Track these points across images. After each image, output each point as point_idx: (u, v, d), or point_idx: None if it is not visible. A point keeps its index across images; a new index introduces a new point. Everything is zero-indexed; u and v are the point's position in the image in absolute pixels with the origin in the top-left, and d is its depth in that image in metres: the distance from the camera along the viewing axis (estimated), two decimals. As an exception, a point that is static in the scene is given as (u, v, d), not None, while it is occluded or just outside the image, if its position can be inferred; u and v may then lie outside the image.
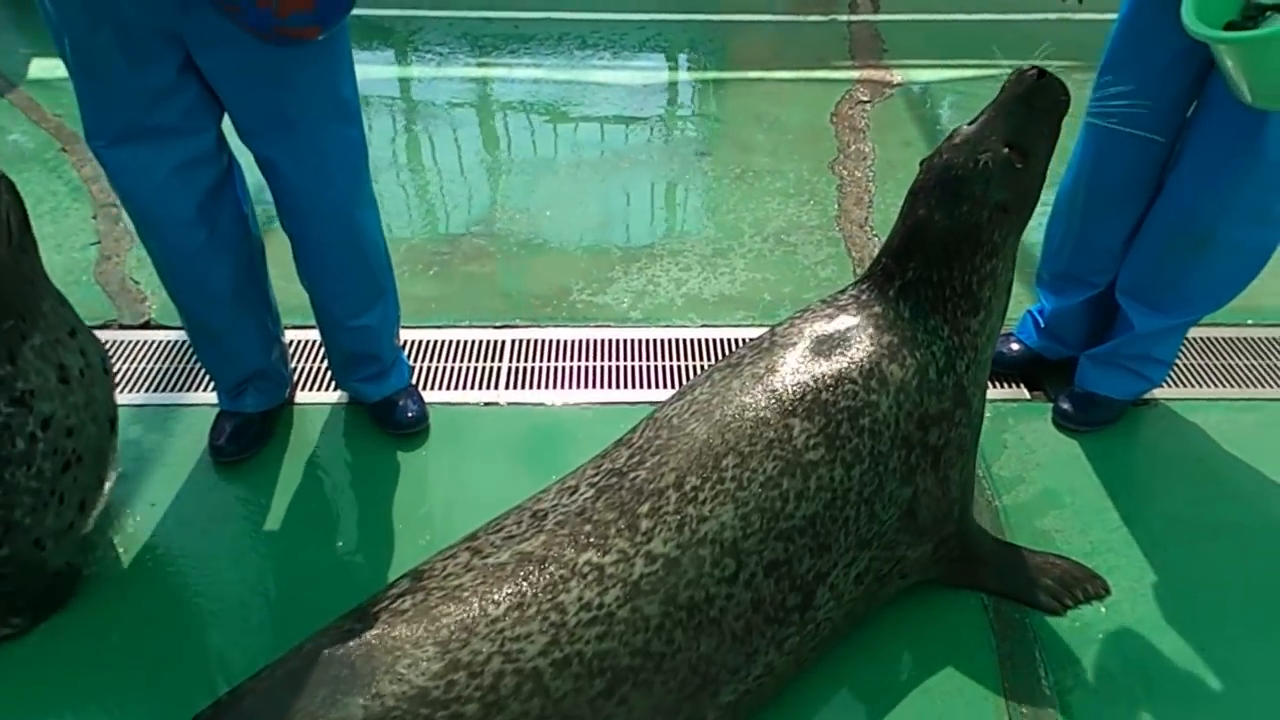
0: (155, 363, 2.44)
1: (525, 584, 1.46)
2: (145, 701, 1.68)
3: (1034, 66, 1.72)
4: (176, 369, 2.42)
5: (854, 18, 4.64)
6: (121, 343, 2.49)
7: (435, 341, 2.54)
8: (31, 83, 3.79)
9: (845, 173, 3.36)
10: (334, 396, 2.36)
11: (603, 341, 2.55)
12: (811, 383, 1.64)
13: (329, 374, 2.35)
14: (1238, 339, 2.61)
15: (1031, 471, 2.19)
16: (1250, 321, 2.66)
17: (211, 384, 2.26)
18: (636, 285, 2.78)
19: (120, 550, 1.95)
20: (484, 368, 2.46)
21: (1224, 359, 2.55)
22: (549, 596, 1.44)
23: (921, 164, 1.79)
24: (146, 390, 2.35)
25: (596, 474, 1.64)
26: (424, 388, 2.35)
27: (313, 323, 2.19)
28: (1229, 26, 1.67)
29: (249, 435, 2.17)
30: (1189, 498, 2.13)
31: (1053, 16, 4.62)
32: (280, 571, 1.94)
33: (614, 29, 4.47)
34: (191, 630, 1.82)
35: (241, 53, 1.67)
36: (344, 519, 2.06)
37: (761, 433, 1.59)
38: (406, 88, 3.97)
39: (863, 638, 1.78)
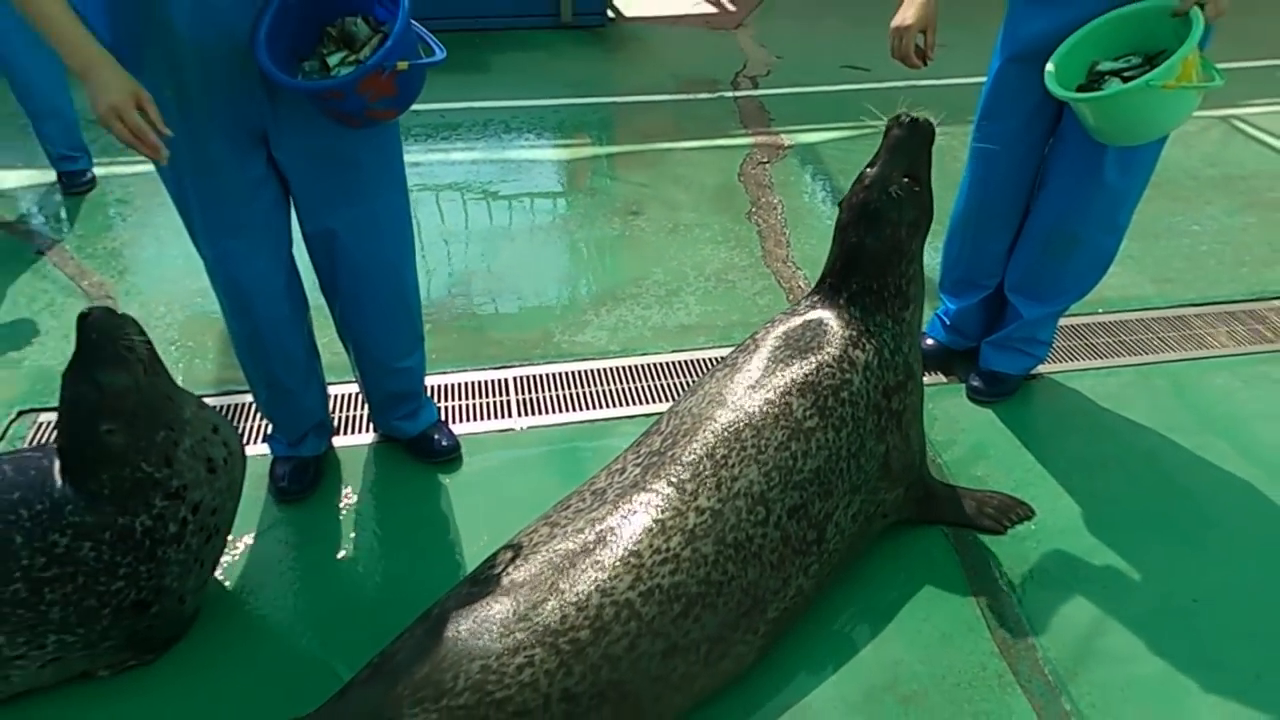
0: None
1: (606, 540, 1.83)
2: (258, 701, 1.94)
3: (904, 113, 2.28)
4: (216, 430, 2.67)
5: (738, 94, 5.31)
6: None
7: (447, 384, 2.88)
8: (-13, 194, 3.93)
9: (761, 221, 3.93)
10: (366, 439, 2.66)
11: (590, 371, 2.96)
12: (800, 369, 2.11)
13: (362, 419, 2.66)
14: (1094, 324, 3.26)
15: (959, 435, 2.72)
16: (1100, 310, 3.32)
17: (260, 434, 2.53)
18: (609, 324, 3.21)
19: (220, 579, 2.20)
20: (494, 402, 2.82)
21: (1086, 340, 3.18)
22: (627, 547, 1.82)
23: (840, 205, 2.30)
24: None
25: (638, 457, 2.04)
26: (448, 423, 2.69)
27: (342, 378, 2.49)
28: (1081, 88, 2.25)
29: (309, 476, 2.46)
30: (1080, 441, 2.71)
31: (902, 83, 5.44)
32: (361, 581, 2.23)
33: (531, 113, 4.96)
34: (293, 637, 2.08)
35: (317, 140, 2.01)
36: (405, 533, 2.37)
37: (769, 410, 2.04)
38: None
39: (861, 565, 2.23)
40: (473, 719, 1.61)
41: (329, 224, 2.16)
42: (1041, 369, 2.98)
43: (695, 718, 1.89)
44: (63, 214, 3.81)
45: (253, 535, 2.32)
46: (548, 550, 1.85)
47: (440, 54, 1.96)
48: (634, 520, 1.86)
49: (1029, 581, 2.25)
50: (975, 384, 2.88)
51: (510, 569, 1.83)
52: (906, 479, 2.26)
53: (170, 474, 1.83)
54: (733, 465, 1.95)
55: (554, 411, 2.79)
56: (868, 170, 2.26)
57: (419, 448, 2.58)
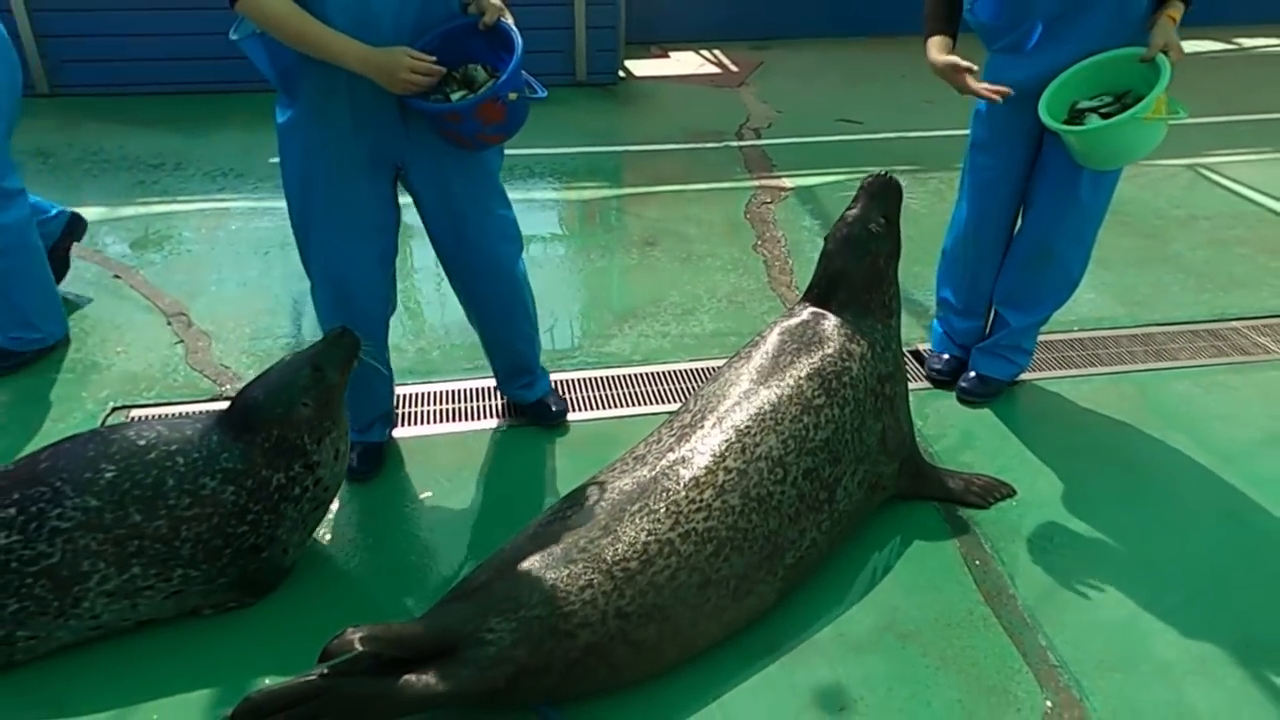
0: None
1: (650, 494, 2.16)
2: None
3: (884, 171, 2.70)
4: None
5: (743, 143, 5.76)
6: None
7: (492, 385, 3.23)
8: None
9: (766, 252, 4.31)
10: (422, 430, 2.99)
11: (618, 376, 3.31)
12: (807, 358, 2.46)
13: (418, 415, 2.99)
14: (1071, 339, 3.62)
15: (949, 430, 3.06)
16: (1076, 329, 3.68)
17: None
18: (631, 338, 3.57)
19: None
20: (533, 402, 3.16)
21: (1063, 353, 3.54)
22: (668, 497, 2.15)
23: (826, 238, 2.69)
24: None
25: (672, 430, 2.38)
26: (509, 416, 3.04)
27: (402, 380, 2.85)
28: (1066, 123, 2.63)
29: (375, 459, 2.79)
30: (1056, 435, 3.05)
31: (892, 135, 5.92)
32: (423, 542, 2.54)
33: (553, 160, 5.40)
34: (371, 588, 2.40)
35: (441, 164, 2.44)
36: (458, 503, 2.69)
37: (783, 390, 2.38)
38: (412, 214, 4.71)
39: (863, 531, 2.55)
40: (545, 628, 1.92)
41: (452, 234, 2.60)
42: (1024, 376, 3.33)
43: (724, 647, 2.18)
44: (128, 246, 4.20)
45: (334, 506, 2.64)
46: (600, 501, 2.18)
47: (542, 93, 2.34)
48: (673, 477, 2.19)
49: (1009, 544, 2.56)
50: (964, 386, 3.21)
51: (569, 516, 2.16)
52: (900, 455, 2.59)
53: (314, 451, 2.22)
54: (754, 434, 2.29)
55: (592, 409, 3.14)
56: (849, 211, 2.66)
57: (535, 412, 3.00)
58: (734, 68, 7.48)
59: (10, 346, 3.22)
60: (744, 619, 2.20)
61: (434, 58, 2.20)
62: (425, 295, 3.93)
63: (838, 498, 2.37)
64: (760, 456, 2.25)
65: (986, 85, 2.68)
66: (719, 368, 2.58)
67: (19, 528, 1.97)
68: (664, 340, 3.57)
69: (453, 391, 3.21)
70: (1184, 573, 2.49)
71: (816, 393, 2.39)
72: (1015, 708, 2.08)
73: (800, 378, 2.40)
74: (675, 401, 3.17)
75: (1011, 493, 2.65)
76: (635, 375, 3.34)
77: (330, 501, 2.40)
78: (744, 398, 2.37)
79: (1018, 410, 3.19)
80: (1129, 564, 2.52)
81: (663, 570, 2.05)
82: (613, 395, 3.22)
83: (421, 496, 2.72)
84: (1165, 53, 2.53)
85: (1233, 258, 4.34)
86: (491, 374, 3.04)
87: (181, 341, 3.45)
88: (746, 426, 2.30)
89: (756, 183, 5.14)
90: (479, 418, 3.07)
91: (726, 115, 6.25)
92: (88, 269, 3.94)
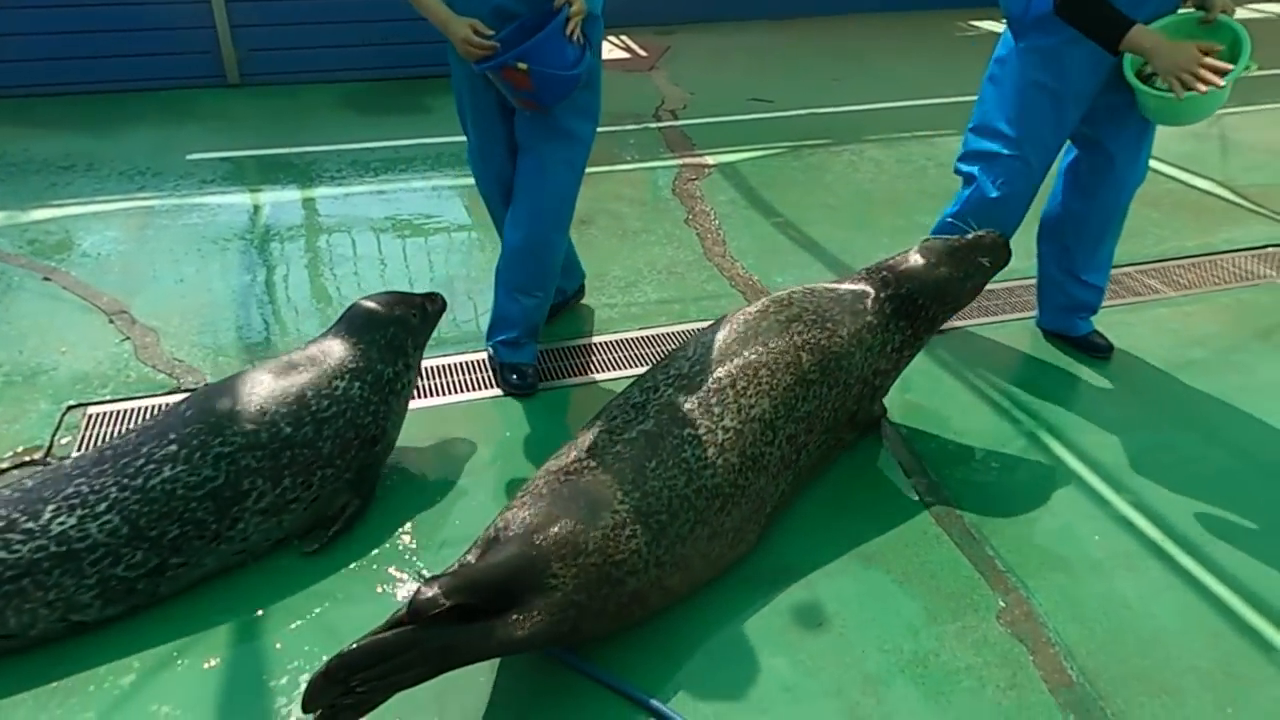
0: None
1: (662, 450, 2.26)
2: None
3: (999, 235, 2.88)
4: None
5: (661, 124, 5.93)
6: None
7: (451, 364, 3.30)
8: (-26, 233, 4.16)
9: (698, 225, 4.49)
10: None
11: (566, 349, 3.44)
12: (817, 333, 2.59)
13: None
14: (988, 290, 3.91)
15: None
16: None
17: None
18: (579, 312, 3.70)
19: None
20: (487, 376, 3.26)
21: (981, 303, 3.81)
22: (678, 455, 2.26)
23: (929, 239, 2.87)
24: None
25: (668, 377, 2.46)
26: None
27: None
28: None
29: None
30: (982, 375, 3.32)
31: (802, 111, 6.18)
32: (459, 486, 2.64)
33: (462, 147, 5.40)
34: (447, 510, 2.52)
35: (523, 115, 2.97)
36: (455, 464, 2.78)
37: (783, 358, 2.51)
38: (336, 205, 4.70)
39: (825, 473, 2.75)
40: (601, 575, 2.02)
41: (524, 158, 3.08)
42: (951, 324, 3.60)
43: (710, 583, 2.35)
44: (51, 248, 4.08)
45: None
46: (619, 454, 2.24)
47: (572, 71, 2.73)
48: (678, 433, 2.30)
49: (951, 471, 2.82)
50: (1100, 345, 3.44)
51: (594, 467, 2.21)
52: (862, 428, 2.81)
53: (413, 353, 2.68)
54: (749, 396, 2.42)
55: (550, 379, 3.26)
56: (973, 236, 2.86)
57: (504, 375, 3.20)
58: (642, 52, 7.64)
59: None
60: (732, 563, 2.37)
61: (492, 33, 2.68)
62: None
63: (802, 460, 2.54)
64: (754, 418, 2.39)
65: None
66: (728, 315, 2.70)
67: (183, 459, 2.20)
68: (612, 311, 3.71)
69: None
70: (1105, 480, 2.78)
71: (813, 368, 2.53)
72: (973, 609, 2.32)
73: (803, 350, 2.53)
74: (634, 366, 3.32)
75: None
76: (590, 345, 3.47)
77: (405, 412, 2.72)
78: (745, 357, 2.48)
79: (948, 355, 3.45)
80: (1054, 478, 2.80)
81: (685, 523, 2.19)
82: (572, 365, 3.35)
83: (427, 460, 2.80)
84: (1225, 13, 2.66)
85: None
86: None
87: (128, 339, 3.40)
88: (743, 388, 2.42)
89: (680, 161, 5.31)
90: (458, 391, 3.16)
91: (641, 99, 6.41)
92: (13, 272, 3.83)
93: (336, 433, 2.41)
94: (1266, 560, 2.49)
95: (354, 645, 1.78)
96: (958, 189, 3.34)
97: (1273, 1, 9.61)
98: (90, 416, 2.97)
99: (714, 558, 2.28)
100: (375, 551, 2.47)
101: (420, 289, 3.91)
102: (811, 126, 5.92)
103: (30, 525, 2.05)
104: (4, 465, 2.71)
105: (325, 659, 1.76)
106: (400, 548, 2.49)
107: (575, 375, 3.29)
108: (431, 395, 3.15)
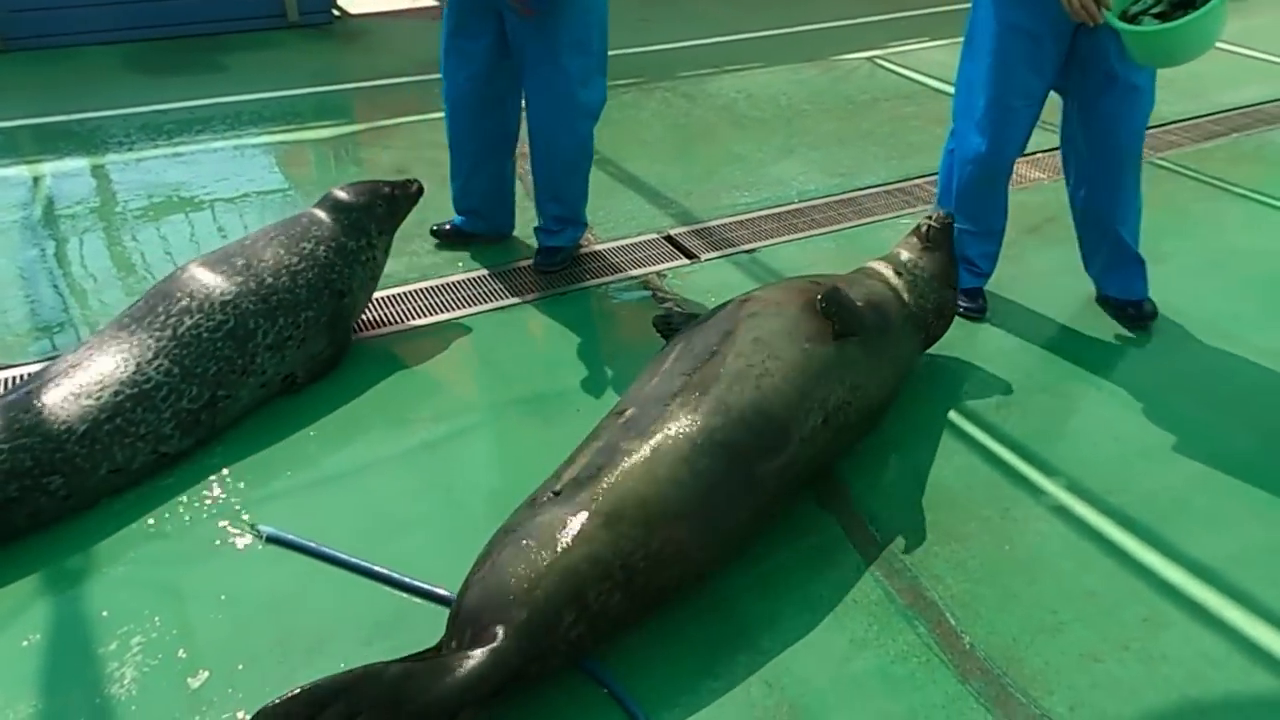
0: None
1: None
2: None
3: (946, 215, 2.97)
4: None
5: (475, 70, 5.84)
6: None
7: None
8: None
9: (522, 166, 4.50)
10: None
11: (399, 294, 3.41)
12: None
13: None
14: (792, 210, 4.15)
15: (704, 293, 3.46)
16: (796, 200, 4.22)
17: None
18: (405, 259, 3.65)
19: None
20: (319, 328, 3.19)
21: (789, 222, 4.05)
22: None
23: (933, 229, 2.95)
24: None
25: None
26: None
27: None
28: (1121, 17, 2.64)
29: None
30: (793, 285, 3.53)
31: (615, 52, 6.22)
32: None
33: (281, 103, 5.22)
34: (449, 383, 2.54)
35: (513, 19, 3.20)
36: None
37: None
38: (128, 172, 4.38)
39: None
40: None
41: (524, 77, 3.36)
42: (760, 244, 3.80)
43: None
44: None
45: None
46: (663, 418, 2.16)
47: None
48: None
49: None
50: (1134, 315, 3.28)
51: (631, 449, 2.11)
52: None
53: (375, 235, 3.15)
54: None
55: (379, 328, 3.23)
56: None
57: (539, 256, 3.65)
58: (451, 0, 7.46)
59: None
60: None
61: None
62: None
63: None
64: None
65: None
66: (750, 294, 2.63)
67: (196, 309, 2.65)
68: (438, 257, 3.69)
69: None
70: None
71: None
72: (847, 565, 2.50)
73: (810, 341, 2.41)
74: (462, 308, 3.33)
75: None
76: (414, 291, 3.45)
77: (374, 288, 3.20)
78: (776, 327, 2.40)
79: (771, 269, 3.65)
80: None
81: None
82: (398, 313, 3.32)
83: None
84: None
85: (909, 129, 5.10)
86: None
87: (-102, 326, 3.10)
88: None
89: (496, 106, 5.27)
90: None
91: (453, 46, 6.28)
92: None
93: (308, 283, 2.88)
94: (1038, 424, 2.81)
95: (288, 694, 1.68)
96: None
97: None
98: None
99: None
100: (204, 504, 2.42)
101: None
102: (625, 67, 5.98)
103: (101, 378, 2.46)
104: None
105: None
106: (234, 503, 2.44)
107: (399, 322, 3.27)
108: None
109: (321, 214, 3.08)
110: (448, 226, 3.79)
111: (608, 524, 1.94)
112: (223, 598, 2.15)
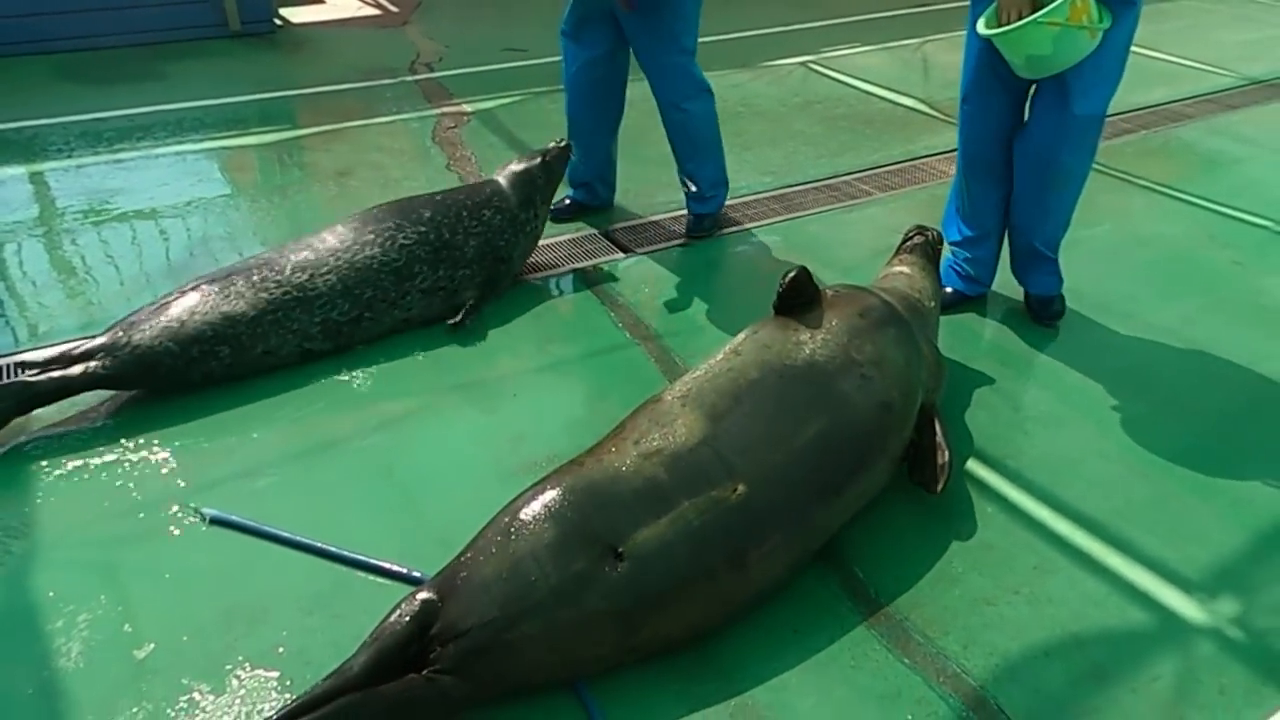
0: None
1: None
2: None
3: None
4: None
5: (418, 77, 5.94)
6: None
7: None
8: None
9: (460, 170, 4.61)
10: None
11: (341, 291, 3.50)
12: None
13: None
14: (730, 204, 4.32)
15: (679, 287, 3.60)
16: (731, 197, 4.39)
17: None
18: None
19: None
20: (261, 324, 3.27)
21: (727, 215, 4.22)
22: None
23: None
24: None
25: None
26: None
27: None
28: None
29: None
30: (732, 275, 3.69)
31: (555, 59, 6.36)
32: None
33: (223, 110, 5.27)
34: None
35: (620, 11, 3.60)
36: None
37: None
38: (67, 179, 4.40)
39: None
40: None
41: (646, 65, 3.78)
42: (697, 235, 3.96)
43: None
44: None
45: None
46: (699, 392, 2.20)
47: None
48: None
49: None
50: (1040, 314, 3.41)
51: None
52: None
53: (541, 206, 3.56)
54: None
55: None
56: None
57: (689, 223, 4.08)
58: (394, 8, 7.55)
59: None
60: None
61: None
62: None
63: None
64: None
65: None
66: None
67: (380, 245, 3.15)
68: (378, 254, 3.79)
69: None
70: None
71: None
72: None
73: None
74: (400, 302, 3.43)
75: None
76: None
77: (530, 253, 3.61)
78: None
79: (702, 262, 3.82)
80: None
81: None
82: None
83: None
84: None
85: (839, 129, 5.31)
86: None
87: None
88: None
89: (438, 111, 5.38)
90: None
91: (396, 53, 6.38)
92: None
93: (477, 246, 3.32)
94: (944, 394, 2.99)
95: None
96: None
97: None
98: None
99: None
100: (153, 493, 2.50)
101: (176, 247, 3.87)
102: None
103: (278, 278, 2.99)
104: None
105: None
106: (179, 488, 2.52)
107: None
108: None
109: (505, 186, 3.46)
110: (566, 201, 4.15)
111: (632, 648, 1.93)
112: (166, 576, 2.24)
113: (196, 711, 1.90)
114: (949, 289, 3.45)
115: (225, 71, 5.94)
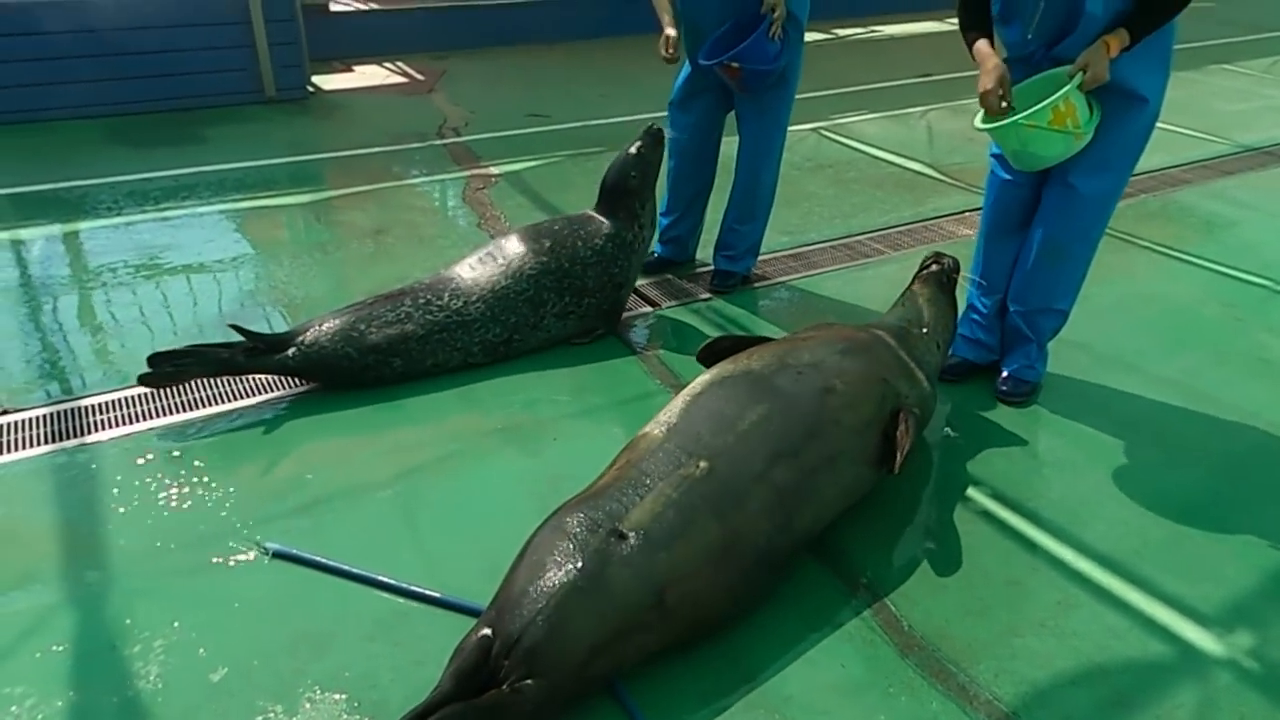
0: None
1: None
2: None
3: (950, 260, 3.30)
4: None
5: (446, 141, 6.22)
6: None
7: (264, 365, 3.44)
8: None
9: (490, 228, 4.83)
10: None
11: (383, 342, 3.67)
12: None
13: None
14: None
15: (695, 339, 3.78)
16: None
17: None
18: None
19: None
20: (310, 371, 3.43)
21: (748, 275, 4.41)
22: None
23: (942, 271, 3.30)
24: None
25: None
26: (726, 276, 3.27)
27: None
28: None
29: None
30: (766, 325, 3.87)
31: (576, 124, 6.67)
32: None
33: (261, 171, 5.52)
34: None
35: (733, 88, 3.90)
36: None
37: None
38: (116, 235, 4.61)
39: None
40: None
41: (745, 131, 4.05)
42: (717, 294, 4.14)
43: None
44: None
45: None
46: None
47: (768, 65, 3.64)
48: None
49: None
50: (1004, 389, 3.38)
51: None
52: None
53: (642, 211, 3.74)
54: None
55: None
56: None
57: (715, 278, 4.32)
58: (420, 76, 7.89)
59: None
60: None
61: (674, 47, 3.78)
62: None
63: None
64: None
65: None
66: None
67: (510, 275, 3.52)
68: (417, 307, 3.97)
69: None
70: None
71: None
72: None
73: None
74: (441, 352, 3.60)
75: None
76: (399, 338, 3.72)
77: (643, 259, 3.92)
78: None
79: (726, 316, 3.99)
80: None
81: None
82: (383, 356, 3.59)
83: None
84: (1083, 71, 2.67)
85: (851, 192, 5.55)
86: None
87: (-93, 375, 3.28)
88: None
89: (467, 173, 5.63)
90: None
91: (424, 119, 6.67)
92: None
93: (597, 277, 3.64)
94: (965, 443, 3.14)
95: None
96: None
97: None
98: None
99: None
100: (217, 526, 2.62)
101: (228, 296, 4.04)
102: (587, 136, 6.41)
103: (439, 303, 3.43)
104: None
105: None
106: (241, 522, 2.65)
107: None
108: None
109: (603, 215, 3.70)
110: (654, 254, 4.38)
111: (667, 613, 2.12)
112: (235, 605, 2.36)
113: (270, 731, 2.01)
114: (957, 357, 3.49)
115: (262, 135, 6.22)
